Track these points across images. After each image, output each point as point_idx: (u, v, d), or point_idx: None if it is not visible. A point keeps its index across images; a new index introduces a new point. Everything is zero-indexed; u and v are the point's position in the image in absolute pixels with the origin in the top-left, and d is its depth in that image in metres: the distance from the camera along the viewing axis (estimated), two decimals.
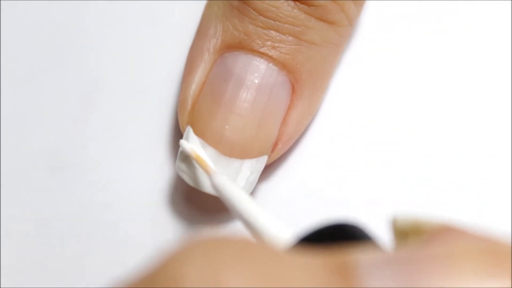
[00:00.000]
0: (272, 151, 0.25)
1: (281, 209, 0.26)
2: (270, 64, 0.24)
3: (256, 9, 0.24)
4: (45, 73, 0.28)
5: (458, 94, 0.27)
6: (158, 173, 0.27)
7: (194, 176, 0.24)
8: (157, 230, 0.26)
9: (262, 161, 0.24)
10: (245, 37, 0.24)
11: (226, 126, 0.24)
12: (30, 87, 0.28)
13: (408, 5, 0.28)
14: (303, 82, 0.24)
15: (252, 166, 0.24)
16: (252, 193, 0.26)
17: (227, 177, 0.22)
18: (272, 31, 0.24)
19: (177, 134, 0.27)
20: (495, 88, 0.27)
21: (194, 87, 0.24)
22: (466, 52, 0.28)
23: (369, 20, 0.28)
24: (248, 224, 0.19)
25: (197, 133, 0.24)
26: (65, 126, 0.27)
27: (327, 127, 0.27)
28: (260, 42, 0.24)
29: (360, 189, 0.26)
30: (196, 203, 0.26)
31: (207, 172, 0.23)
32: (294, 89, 0.24)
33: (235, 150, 0.24)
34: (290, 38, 0.24)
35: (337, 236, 0.16)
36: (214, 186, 0.22)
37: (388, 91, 0.27)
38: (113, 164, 0.27)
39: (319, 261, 0.13)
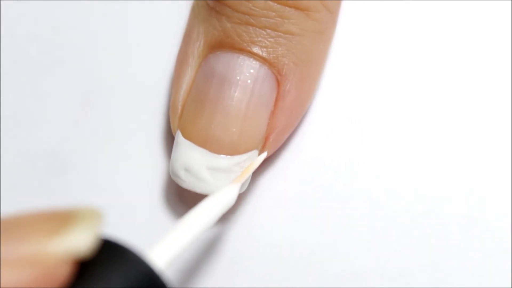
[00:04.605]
0: (264, 146, 0.25)
1: (279, 208, 0.26)
2: (251, 60, 0.24)
3: (231, 6, 0.24)
4: (45, 73, 0.28)
5: (457, 91, 0.27)
6: (159, 173, 0.27)
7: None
8: (156, 230, 0.26)
9: (253, 156, 0.24)
10: (224, 36, 0.24)
11: (212, 125, 0.24)
12: (30, 87, 0.28)
13: (406, 2, 0.28)
14: (288, 74, 0.24)
15: (243, 162, 0.24)
16: (248, 191, 0.26)
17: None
18: (249, 26, 0.24)
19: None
20: (494, 88, 0.27)
21: (182, 92, 0.25)
22: (465, 52, 0.27)
23: (367, 17, 0.28)
24: None
25: (185, 135, 0.24)
26: (65, 126, 0.28)
27: (325, 125, 0.27)
28: (239, 39, 0.24)
29: (359, 188, 0.26)
30: (195, 203, 0.26)
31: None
32: (279, 82, 0.24)
33: (223, 148, 0.24)
34: (268, 31, 0.24)
35: None
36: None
37: (388, 89, 0.27)
38: (113, 164, 0.27)
39: None
